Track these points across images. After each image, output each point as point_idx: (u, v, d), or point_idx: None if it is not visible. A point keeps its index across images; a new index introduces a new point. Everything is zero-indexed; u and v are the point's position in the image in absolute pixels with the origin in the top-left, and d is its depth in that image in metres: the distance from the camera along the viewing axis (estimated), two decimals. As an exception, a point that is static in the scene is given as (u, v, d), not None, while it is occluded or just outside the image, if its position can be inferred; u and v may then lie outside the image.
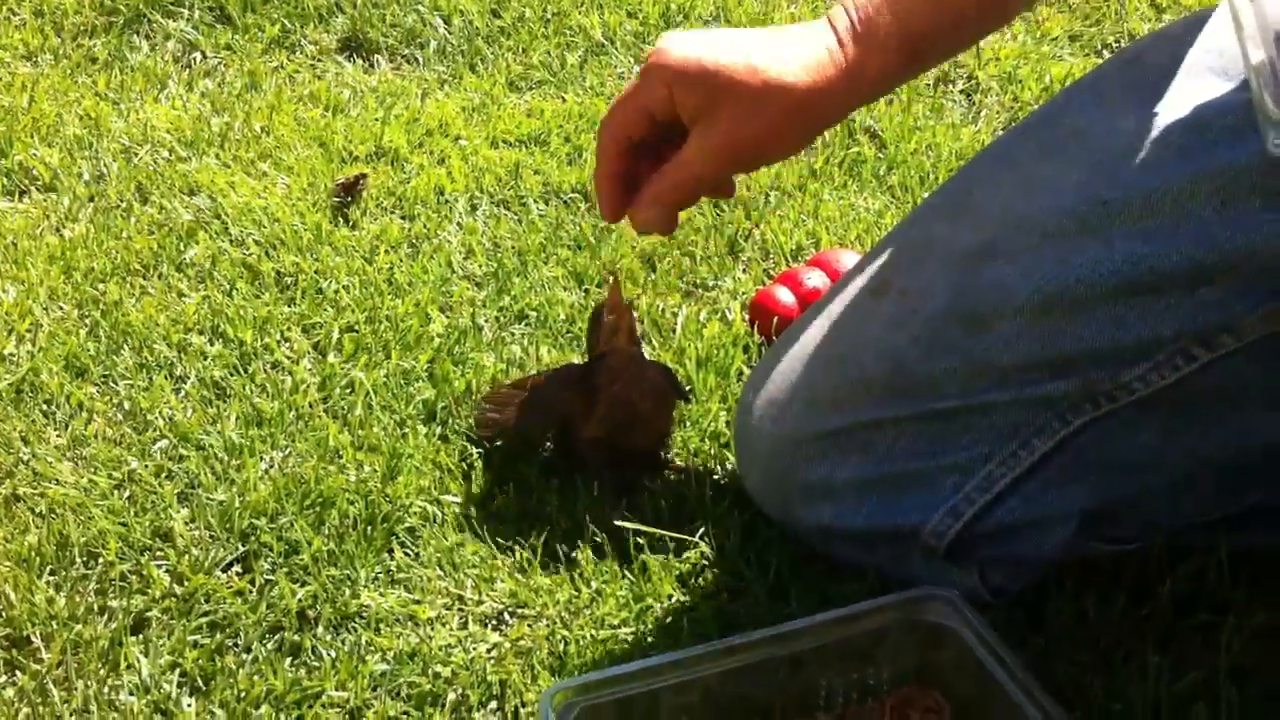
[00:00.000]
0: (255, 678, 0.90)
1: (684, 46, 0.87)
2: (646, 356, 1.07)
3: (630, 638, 0.94)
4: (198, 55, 1.73)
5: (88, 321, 1.24)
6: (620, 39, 1.78)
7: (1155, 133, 0.85)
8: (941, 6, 0.89)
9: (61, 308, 1.26)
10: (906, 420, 0.90)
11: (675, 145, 0.89)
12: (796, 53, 0.87)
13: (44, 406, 1.14)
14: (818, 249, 1.37)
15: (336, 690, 0.89)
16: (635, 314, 1.07)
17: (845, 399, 0.92)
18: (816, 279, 1.25)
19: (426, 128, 1.59)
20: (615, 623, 0.95)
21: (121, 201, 1.43)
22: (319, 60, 1.75)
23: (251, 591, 0.96)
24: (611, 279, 1.10)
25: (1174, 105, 0.85)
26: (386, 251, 1.36)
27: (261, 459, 1.08)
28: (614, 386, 1.04)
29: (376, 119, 1.60)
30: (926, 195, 1.14)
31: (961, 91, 1.70)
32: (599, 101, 1.65)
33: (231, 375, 1.18)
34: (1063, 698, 0.84)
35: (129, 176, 1.47)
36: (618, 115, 0.91)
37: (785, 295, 1.24)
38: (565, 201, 1.46)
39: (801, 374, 0.95)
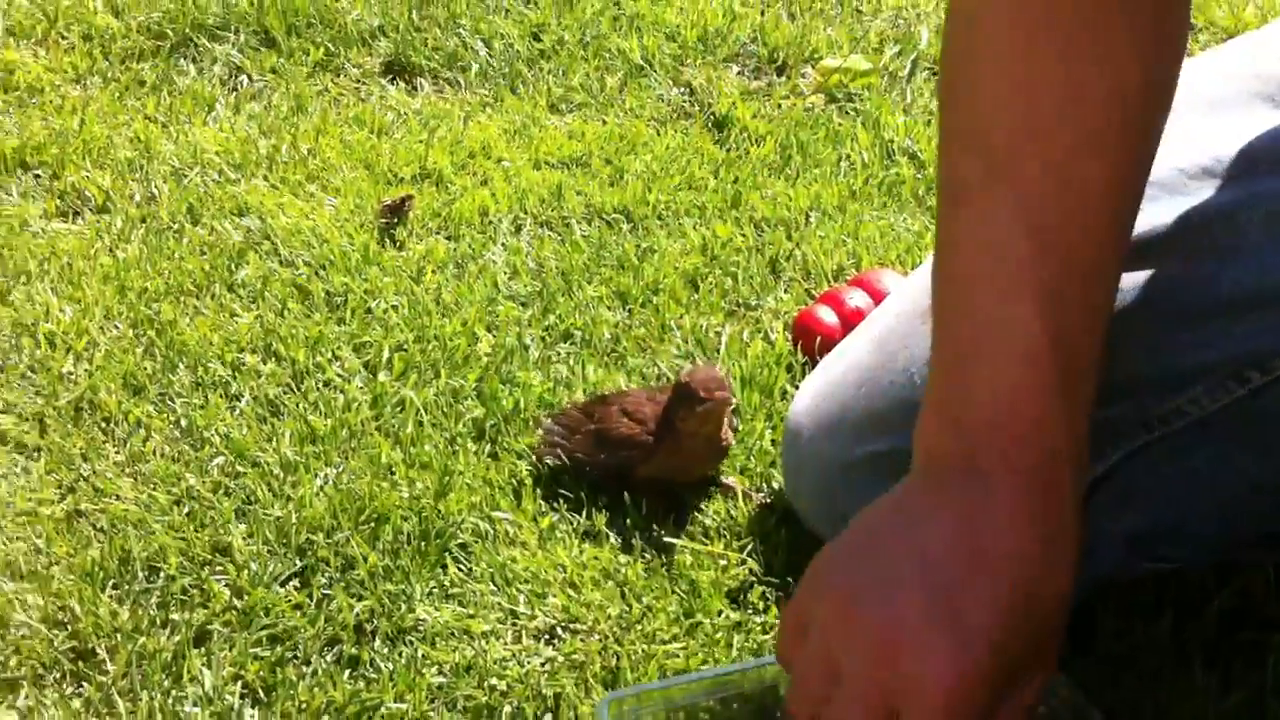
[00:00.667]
0: (315, 690, 0.92)
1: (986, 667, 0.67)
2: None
3: (681, 653, 0.95)
4: (244, 79, 1.76)
5: (143, 341, 1.27)
6: (659, 61, 1.80)
7: (1206, 161, 0.86)
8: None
9: (117, 327, 1.29)
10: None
11: None
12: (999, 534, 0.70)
13: (102, 424, 1.17)
14: (858, 269, 1.38)
15: (395, 702, 0.91)
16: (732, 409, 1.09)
17: (895, 422, 0.93)
18: (859, 299, 1.27)
19: (469, 150, 1.61)
20: (666, 638, 0.97)
21: (173, 223, 1.46)
22: (362, 83, 1.78)
23: (310, 605, 0.98)
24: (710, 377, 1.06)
25: (1222, 134, 0.87)
26: (433, 272, 1.38)
27: (316, 475, 1.10)
28: (677, 455, 1.06)
29: (420, 141, 1.62)
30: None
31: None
32: (639, 124, 1.67)
33: (285, 393, 1.20)
34: (1112, 718, 0.85)
35: (180, 198, 1.50)
36: None
37: (828, 315, 1.26)
38: (608, 222, 1.48)
39: (851, 397, 0.96)
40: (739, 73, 1.82)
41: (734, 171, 1.58)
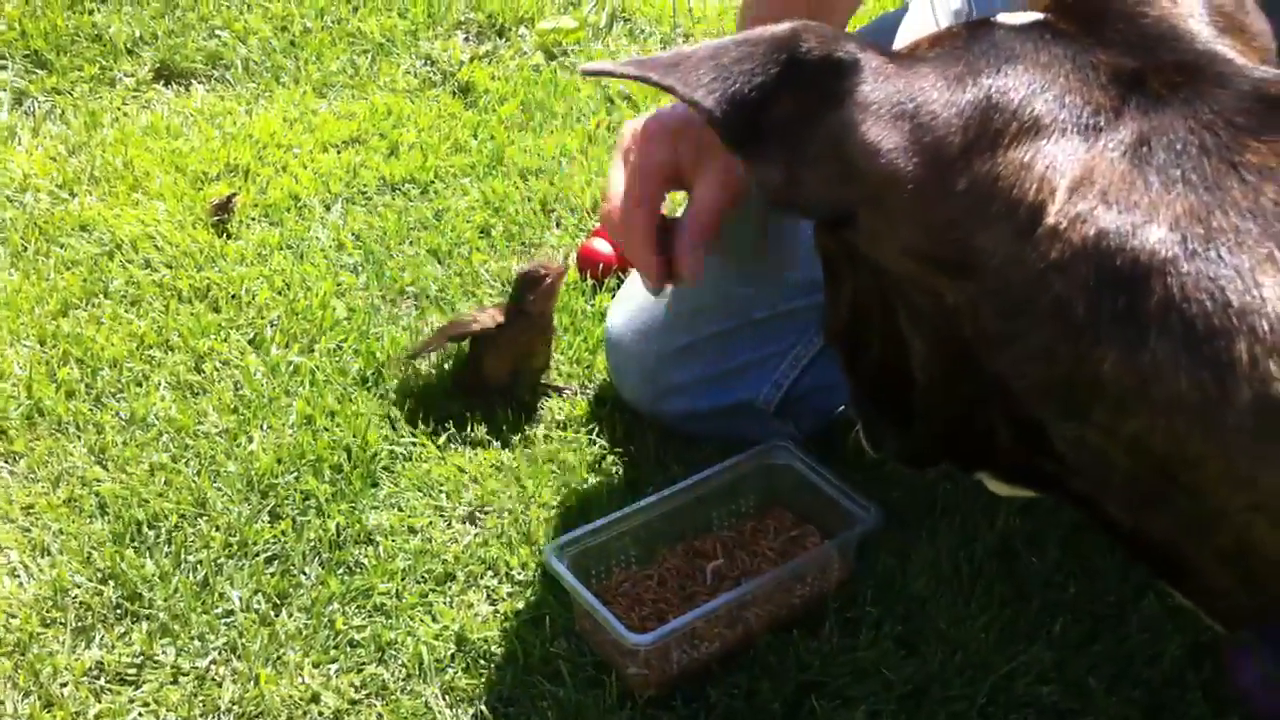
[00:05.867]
0: (319, 588, 1.26)
1: (666, 115, 1.07)
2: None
3: (568, 513, 1.34)
4: (32, 102, 1.96)
5: (57, 353, 1.52)
6: (398, 38, 2.11)
7: None
8: None
9: (27, 346, 1.54)
10: (735, 330, 1.33)
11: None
12: None
13: (56, 427, 1.43)
14: (612, 203, 1.77)
15: (383, 583, 1.26)
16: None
17: (690, 323, 1.34)
18: (624, 230, 1.65)
19: (261, 142, 1.89)
20: (553, 504, 1.35)
21: (30, 246, 1.69)
22: (139, 91, 2.01)
23: (290, 531, 1.31)
24: (544, 260, 1.44)
25: None
26: (274, 255, 1.68)
27: (251, 437, 1.41)
28: (523, 335, 1.42)
29: (215, 138, 1.89)
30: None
31: (684, 51, 2.12)
32: (398, 99, 1.99)
33: (196, 376, 1.50)
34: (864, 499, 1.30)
35: (26, 223, 1.72)
36: (642, 193, 1.06)
37: (603, 246, 1.64)
38: (401, 191, 1.81)
39: (658, 309, 1.36)
40: (466, 39, 2.15)
41: (488, 130, 1.92)
